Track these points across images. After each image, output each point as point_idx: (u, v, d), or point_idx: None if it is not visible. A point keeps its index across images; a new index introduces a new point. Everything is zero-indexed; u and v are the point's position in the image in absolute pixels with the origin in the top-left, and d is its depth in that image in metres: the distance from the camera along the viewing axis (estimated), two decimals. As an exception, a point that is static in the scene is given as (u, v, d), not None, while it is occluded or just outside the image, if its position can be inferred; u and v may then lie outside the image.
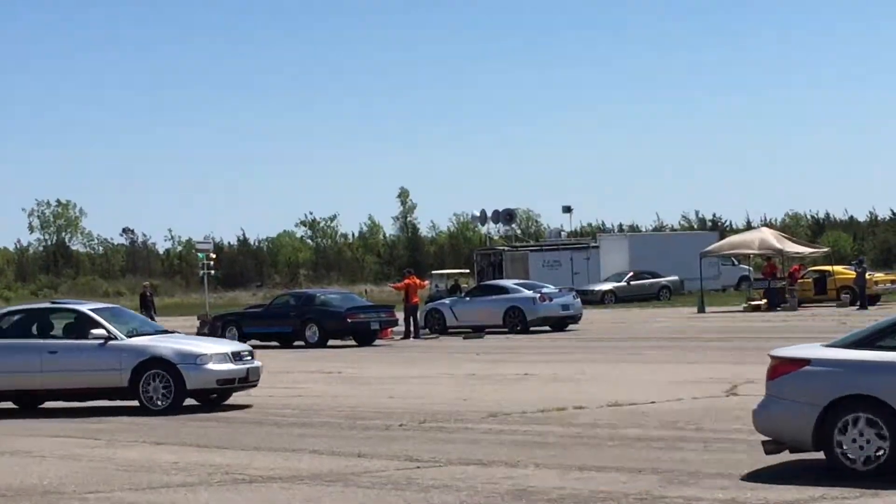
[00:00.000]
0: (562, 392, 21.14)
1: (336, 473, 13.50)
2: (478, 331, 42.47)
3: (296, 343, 39.28)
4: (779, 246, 54.89)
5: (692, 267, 59.27)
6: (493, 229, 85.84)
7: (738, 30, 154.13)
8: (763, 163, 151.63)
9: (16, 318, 22.12)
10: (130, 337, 21.07)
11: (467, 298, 45.80)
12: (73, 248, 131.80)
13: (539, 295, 43.54)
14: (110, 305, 25.46)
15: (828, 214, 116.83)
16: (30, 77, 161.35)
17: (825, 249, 62.66)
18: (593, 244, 74.82)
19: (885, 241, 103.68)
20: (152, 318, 48.10)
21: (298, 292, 47.30)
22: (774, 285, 52.74)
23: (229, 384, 21.01)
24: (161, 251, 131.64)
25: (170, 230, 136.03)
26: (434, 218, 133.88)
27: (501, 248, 74.68)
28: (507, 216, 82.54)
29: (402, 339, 40.92)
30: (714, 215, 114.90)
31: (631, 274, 68.53)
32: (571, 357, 30.21)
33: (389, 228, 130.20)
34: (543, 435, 16.06)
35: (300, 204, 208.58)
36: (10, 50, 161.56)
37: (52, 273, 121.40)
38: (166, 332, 22.82)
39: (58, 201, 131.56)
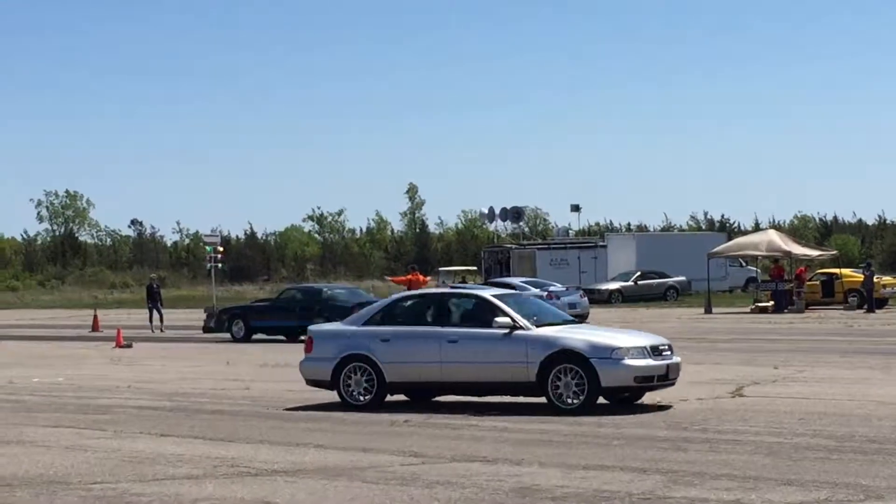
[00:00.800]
0: (567, 390, 21.08)
1: (341, 468, 13.50)
2: None
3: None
4: (786, 248, 54.83)
5: (699, 267, 59.21)
6: (500, 227, 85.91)
7: (748, 30, 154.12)
8: (772, 165, 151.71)
9: (410, 303, 20.42)
10: (538, 327, 18.89)
11: None
12: (81, 238, 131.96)
13: (546, 293, 43.20)
14: (511, 291, 23.78)
15: (836, 217, 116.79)
16: (38, 68, 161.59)
17: (833, 252, 62.60)
18: (601, 243, 74.80)
19: (893, 244, 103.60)
20: (159, 311, 48.35)
21: (305, 286, 47.14)
22: (782, 287, 52.69)
23: (647, 382, 18.53)
24: (169, 243, 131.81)
25: (178, 222, 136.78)
26: (442, 214, 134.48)
27: (509, 245, 74.69)
28: (515, 214, 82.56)
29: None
30: (722, 216, 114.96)
31: (638, 274, 68.52)
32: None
33: (397, 224, 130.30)
34: (548, 433, 16.05)
35: (308, 198, 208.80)
36: (19, 41, 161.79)
37: (60, 264, 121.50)
38: (573, 321, 20.75)
39: (66, 192, 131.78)
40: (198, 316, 49.74)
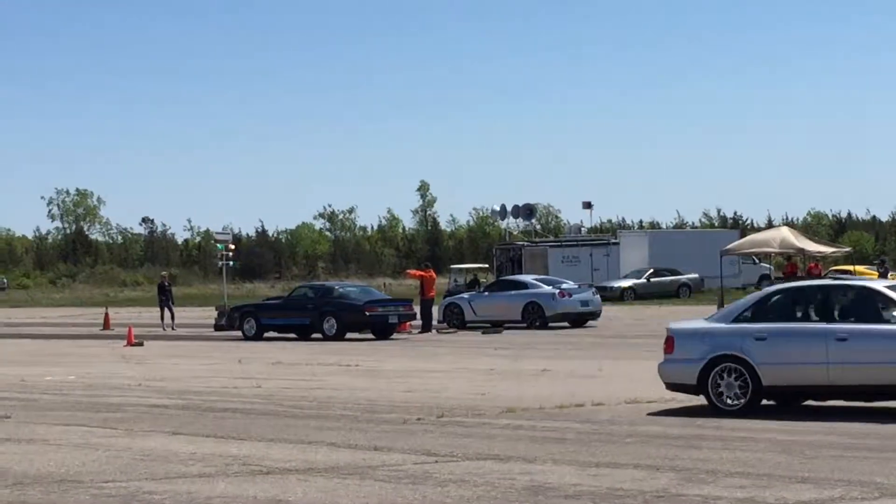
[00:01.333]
0: (580, 388, 21.07)
1: (352, 466, 13.43)
2: (497, 325, 42.11)
3: (313, 335, 39.18)
4: (799, 245, 54.63)
5: (712, 265, 59.02)
6: (512, 224, 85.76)
7: (760, 28, 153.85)
8: (785, 161, 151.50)
9: (785, 297, 18.29)
10: None
11: (486, 293, 45.56)
12: (92, 236, 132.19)
13: (559, 291, 43.54)
14: None
15: (850, 214, 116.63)
16: (49, 67, 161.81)
17: (847, 249, 62.38)
18: (613, 241, 74.68)
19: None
20: (170, 309, 48.35)
21: (317, 285, 46.91)
22: (795, 284, 52.52)
23: None
24: (180, 241, 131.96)
25: (189, 220, 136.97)
26: (454, 212, 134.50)
27: (521, 243, 74.58)
28: (527, 211, 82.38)
29: (420, 332, 40.90)
30: (735, 213, 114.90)
31: (651, 271, 68.44)
32: (590, 353, 30.13)
33: (409, 222, 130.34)
34: (561, 431, 15.98)
35: (319, 196, 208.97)
36: (30, 40, 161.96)
37: (71, 262, 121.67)
38: None
39: (77, 190, 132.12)
40: (209, 314, 49.77)
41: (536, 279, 46.82)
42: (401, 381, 23.57)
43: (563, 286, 44.70)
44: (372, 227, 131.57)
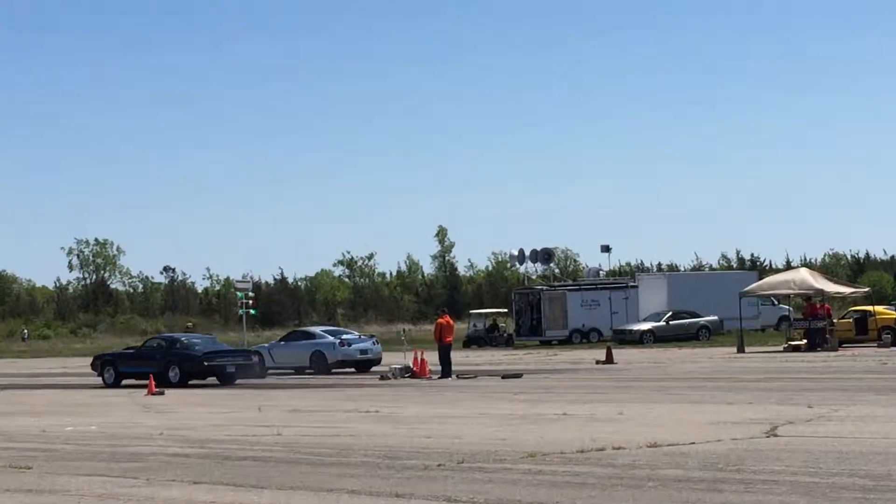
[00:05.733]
0: (601, 432, 21.01)
1: (373, 513, 13.40)
2: (299, 371, 47.44)
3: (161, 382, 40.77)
4: (818, 286, 54.62)
5: (731, 307, 59.03)
6: (531, 268, 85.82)
7: (776, 71, 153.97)
8: (803, 202, 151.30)
9: None
10: None
11: (282, 343, 51.03)
12: (113, 286, 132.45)
13: (339, 341, 48.74)
14: None
15: (868, 254, 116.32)
16: (68, 116, 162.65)
17: (865, 289, 62.32)
18: (632, 283, 74.66)
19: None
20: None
21: (166, 336, 51.44)
22: (815, 326, 52.45)
23: None
24: (200, 290, 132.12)
25: (208, 269, 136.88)
26: (472, 257, 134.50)
27: (539, 287, 74.61)
28: (545, 255, 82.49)
29: (439, 378, 40.90)
30: (753, 255, 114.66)
31: (670, 313, 68.37)
32: (610, 397, 30.05)
33: (428, 267, 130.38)
34: (582, 475, 15.93)
35: (338, 243, 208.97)
36: (48, 89, 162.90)
37: (92, 311, 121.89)
38: None
39: (96, 240, 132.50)
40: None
41: (324, 330, 51.87)
42: (421, 427, 23.52)
43: (344, 336, 49.74)
44: (391, 274, 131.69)
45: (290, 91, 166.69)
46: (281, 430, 23.61)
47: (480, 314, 79.38)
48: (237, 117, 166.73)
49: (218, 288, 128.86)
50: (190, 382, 42.36)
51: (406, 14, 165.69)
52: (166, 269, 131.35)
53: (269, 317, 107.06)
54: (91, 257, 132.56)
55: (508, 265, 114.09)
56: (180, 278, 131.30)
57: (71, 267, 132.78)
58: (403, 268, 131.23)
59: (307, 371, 47.96)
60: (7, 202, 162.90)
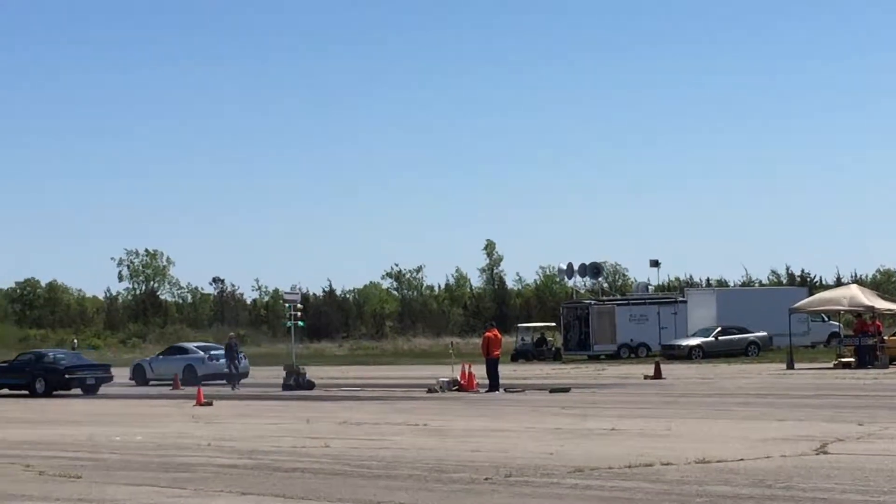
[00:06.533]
0: (649, 448, 20.93)
1: (421, 527, 13.40)
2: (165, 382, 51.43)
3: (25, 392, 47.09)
4: (869, 303, 54.24)
5: (781, 323, 58.72)
6: (579, 283, 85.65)
7: (826, 81, 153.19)
8: (854, 218, 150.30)
9: None
10: None
11: (161, 357, 56.45)
12: (162, 296, 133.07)
13: (208, 356, 54.07)
14: None
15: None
16: (119, 126, 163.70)
17: (917, 306, 61.77)
18: (681, 299, 74.41)
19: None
20: (237, 368, 48.64)
21: (35, 351, 55.38)
22: (865, 343, 52.10)
23: None
24: (248, 301, 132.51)
25: (257, 280, 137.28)
26: (520, 270, 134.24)
27: (588, 301, 74.44)
28: (593, 270, 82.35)
29: (487, 392, 40.87)
30: (803, 271, 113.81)
31: (719, 329, 68.08)
32: (658, 412, 29.94)
33: (476, 281, 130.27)
34: (630, 491, 15.88)
35: (387, 255, 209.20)
36: (101, 100, 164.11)
37: (141, 321, 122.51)
38: None
39: (146, 250, 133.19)
40: (277, 374, 49.91)
41: (198, 346, 57.09)
42: (468, 441, 23.51)
43: (213, 352, 54.56)
44: (439, 287, 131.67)
45: (340, 104, 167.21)
46: (329, 442, 23.66)
47: (528, 328, 79.31)
48: (287, 129, 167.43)
49: (266, 299, 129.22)
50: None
51: (452, 26, 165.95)
52: (215, 280, 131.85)
53: (318, 329, 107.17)
54: (141, 268, 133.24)
55: (557, 279, 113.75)
56: (229, 289, 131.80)
57: (121, 277, 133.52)
58: (451, 281, 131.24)
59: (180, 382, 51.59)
60: (58, 212, 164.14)
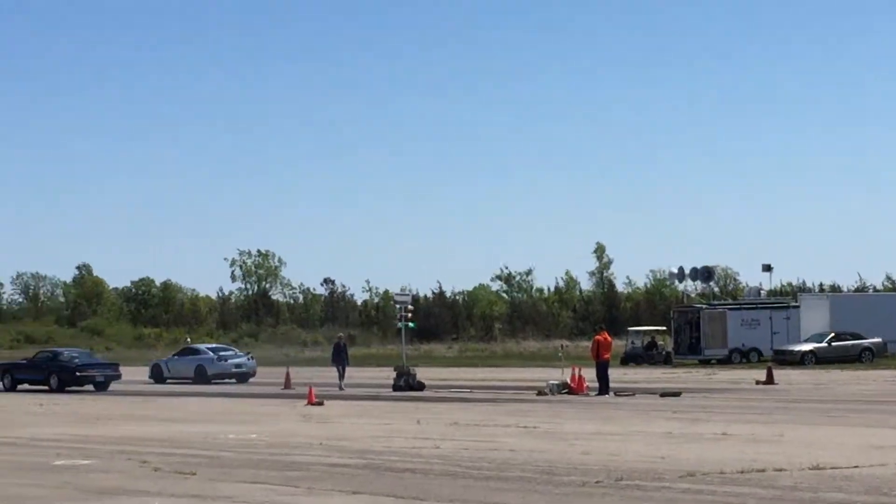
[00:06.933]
0: (761, 453, 20.76)
1: (532, 528, 13.41)
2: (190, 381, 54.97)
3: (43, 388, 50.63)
4: None
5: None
6: (690, 286, 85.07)
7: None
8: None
9: None
10: None
11: (176, 357, 60.00)
12: (274, 297, 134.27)
13: (217, 357, 57.85)
14: None
15: None
16: (235, 128, 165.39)
17: None
18: (793, 304, 73.58)
19: None
20: (344, 369, 48.91)
21: (51, 350, 59.05)
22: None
23: None
24: (359, 302, 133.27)
25: (367, 281, 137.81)
26: (630, 273, 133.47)
27: (699, 305, 73.87)
28: (705, 274, 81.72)
29: (597, 395, 40.74)
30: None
31: (832, 335, 67.19)
32: (771, 418, 29.67)
33: (585, 284, 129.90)
34: (742, 497, 15.76)
35: (496, 258, 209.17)
36: (211, 99, 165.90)
37: (253, 321, 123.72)
38: None
39: (258, 251, 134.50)
40: (387, 374, 50.14)
41: (208, 348, 61.10)
42: (578, 444, 23.46)
43: (222, 353, 58.83)
44: (549, 289, 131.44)
45: (457, 104, 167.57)
46: (439, 443, 23.75)
47: (638, 331, 78.90)
48: (401, 130, 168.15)
49: (377, 301, 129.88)
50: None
51: (562, 26, 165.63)
52: (326, 280, 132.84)
53: (427, 330, 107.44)
54: (253, 268, 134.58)
55: (667, 283, 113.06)
56: (340, 290, 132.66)
57: (234, 277, 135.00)
58: (561, 283, 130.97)
59: (192, 381, 55.99)
60: (172, 212, 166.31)
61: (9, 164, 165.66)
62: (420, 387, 45.90)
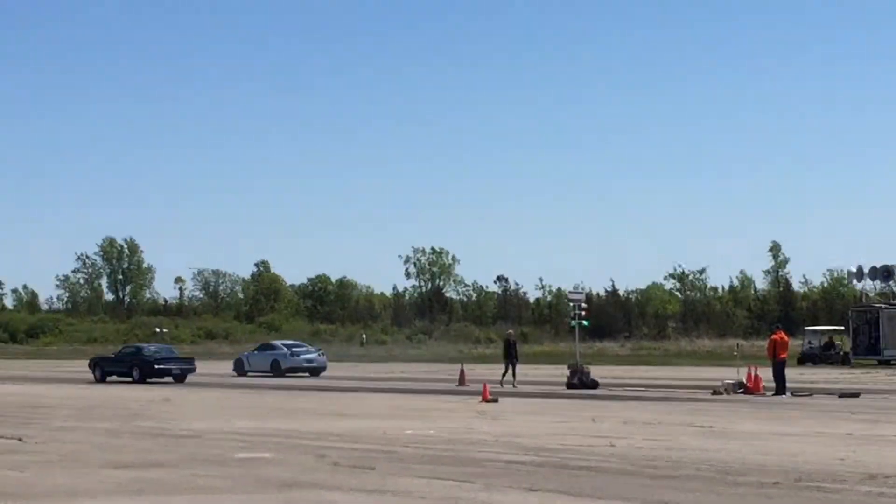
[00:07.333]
0: (944, 456, 20.39)
1: (709, 528, 13.39)
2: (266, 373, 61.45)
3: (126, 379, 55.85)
4: None
5: None
6: (869, 286, 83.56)
7: None
8: None
9: None
10: None
11: (255, 352, 65.59)
12: (447, 294, 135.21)
13: (290, 352, 63.52)
14: None
15: None
16: (411, 126, 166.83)
17: None
18: (976, 304, 71.90)
19: None
20: (514, 366, 49.05)
21: (135, 345, 65.13)
22: None
23: None
24: (531, 300, 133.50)
25: (540, 279, 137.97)
26: (807, 273, 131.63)
27: (878, 305, 72.56)
28: (884, 273, 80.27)
29: (773, 395, 40.31)
30: None
31: None
32: (954, 420, 29.07)
33: (760, 283, 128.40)
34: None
35: (670, 257, 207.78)
36: (379, 109, 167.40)
37: (427, 318, 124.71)
38: None
39: (432, 249, 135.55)
40: (560, 372, 50.17)
41: (284, 344, 66.68)
42: (754, 444, 23.28)
43: (295, 349, 64.37)
44: (723, 288, 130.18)
45: (626, 104, 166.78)
46: (614, 441, 23.75)
47: (815, 331, 77.79)
48: (573, 130, 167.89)
49: (549, 298, 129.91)
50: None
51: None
52: (499, 278, 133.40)
53: (600, 328, 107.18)
54: (427, 265, 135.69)
55: (845, 282, 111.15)
56: (513, 288, 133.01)
57: (408, 274, 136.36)
58: (735, 282, 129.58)
59: (268, 374, 61.55)
60: (348, 210, 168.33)
61: (192, 165, 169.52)
62: (594, 385, 45.89)
